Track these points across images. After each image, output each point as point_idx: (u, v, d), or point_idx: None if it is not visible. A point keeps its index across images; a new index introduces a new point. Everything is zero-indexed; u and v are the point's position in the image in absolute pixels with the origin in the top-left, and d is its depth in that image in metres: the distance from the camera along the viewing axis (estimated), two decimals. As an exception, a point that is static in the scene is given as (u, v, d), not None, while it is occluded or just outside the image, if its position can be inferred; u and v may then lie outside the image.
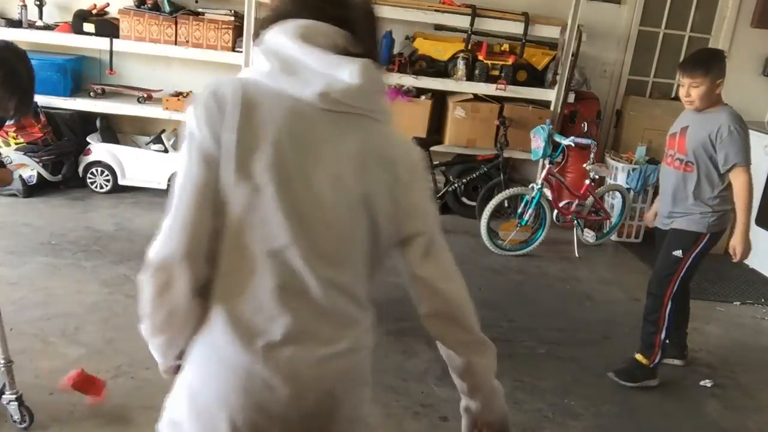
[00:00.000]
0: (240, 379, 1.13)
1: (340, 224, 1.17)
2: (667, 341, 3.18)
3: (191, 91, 5.32)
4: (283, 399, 1.14)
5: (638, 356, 3.20)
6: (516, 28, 5.14)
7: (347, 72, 1.13)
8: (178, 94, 5.19)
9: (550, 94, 5.28)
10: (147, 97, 5.16)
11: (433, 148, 5.00)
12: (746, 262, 5.07)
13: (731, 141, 2.88)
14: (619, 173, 5.20)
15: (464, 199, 5.38)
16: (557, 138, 4.70)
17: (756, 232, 5.01)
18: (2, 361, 2.40)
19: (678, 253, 3.05)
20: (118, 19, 5.00)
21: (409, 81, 5.13)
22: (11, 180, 2.35)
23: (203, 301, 1.17)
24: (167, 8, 4.98)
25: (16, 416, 2.41)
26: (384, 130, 1.23)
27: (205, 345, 1.17)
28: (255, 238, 1.12)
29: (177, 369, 1.25)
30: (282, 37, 1.15)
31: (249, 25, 4.90)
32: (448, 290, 1.28)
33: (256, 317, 1.14)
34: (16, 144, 4.66)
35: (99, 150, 5.00)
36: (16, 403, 2.40)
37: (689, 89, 2.93)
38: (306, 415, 1.17)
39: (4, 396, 2.41)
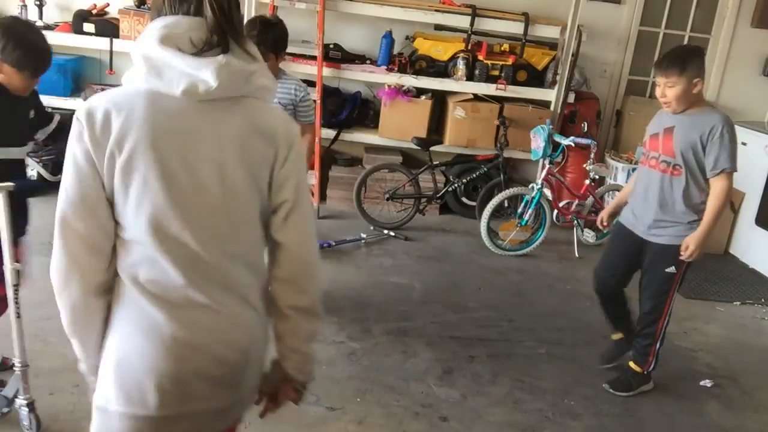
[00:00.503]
0: (167, 347, 1.25)
1: (228, 206, 1.29)
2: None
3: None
4: (207, 360, 1.29)
5: (632, 364, 3.15)
6: (516, 28, 5.14)
7: (207, 73, 1.21)
8: (178, 94, 5.19)
9: (550, 94, 5.28)
10: (147, 97, 5.15)
11: (433, 148, 5.00)
12: (746, 261, 5.10)
13: (723, 145, 2.74)
14: (619, 173, 5.21)
15: (464, 199, 5.38)
16: (557, 138, 4.70)
17: (756, 232, 5.03)
18: (18, 365, 2.35)
19: (671, 269, 2.93)
20: (118, 19, 5.00)
21: (409, 81, 5.14)
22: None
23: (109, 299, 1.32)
24: (167, 8, 4.98)
25: (26, 422, 2.37)
26: (263, 107, 1.33)
27: (125, 322, 1.29)
28: (154, 227, 1.24)
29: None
30: (148, 40, 1.22)
31: (249, 25, 4.90)
32: (299, 257, 1.38)
33: (170, 293, 1.26)
34: (16, 144, 4.66)
35: (99, 150, 4.98)
36: (26, 409, 2.36)
37: (665, 89, 2.78)
38: (225, 373, 1.32)
39: (17, 400, 2.38)
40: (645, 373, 3.13)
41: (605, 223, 3.30)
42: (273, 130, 1.31)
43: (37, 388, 2.59)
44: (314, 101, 3.12)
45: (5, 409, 2.42)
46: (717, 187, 2.80)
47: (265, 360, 1.45)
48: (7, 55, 2.21)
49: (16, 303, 2.29)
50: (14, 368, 2.36)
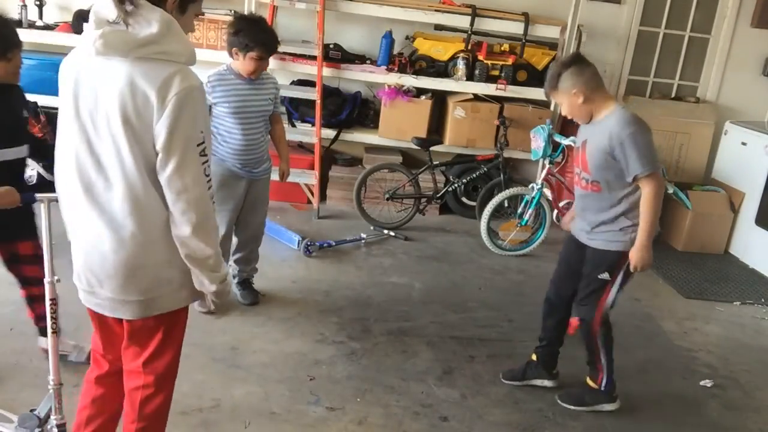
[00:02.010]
0: (77, 248, 1.80)
1: (115, 152, 1.64)
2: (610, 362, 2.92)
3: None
4: (97, 262, 1.74)
5: (588, 380, 2.99)
6: (516, 28, 5.13)
7: (92, 39, 1.58)
8: (178, 94, 5.19)
9: (550, 94, 5.27)
10: (147, 97, 5.15)
11: (433, 148, 5.00)
12: (746, 261, 5.10)
13: (626, 150, 2.56)
14: (619, 173, 5.19)
15: (464, 199, 5.38)
16: (557, 138, 4.70)
17: (756, 232, 5.03)
18: (51, 383, 2.18)
19: (604, 275, 2.77)
20: (118, 19, 5.00)
21: (409, 81, 5.13)
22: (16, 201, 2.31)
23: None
24: (167, 8, 4.98)
25: None
26: (154, 67, 1.59)
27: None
28: (74, 157, 1.69)
29: None
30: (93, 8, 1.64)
31: (249, 25, 4.90)
32: (174, 198, 1.66)
33: (79, 210, 1.73)
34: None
35: (99, 150, 4.99)
36: (57, 430, 2.20)
37: (560, 108, 2.75)
38: (111, 275, 1.74)
39: (50, 419, 2.22)
40: (600, 389, 2.95)
41: (568, 228, 3.07)
42: (150, 88, 1.57)
43: (37, 387, 2.58)
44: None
45: (37, 430, 2.27)
46: (642, 194, 2.64)
47: (165, 274, 1.78)
48: None
49: (54, 319, 2.16)
50: (48, 387, 2.19)
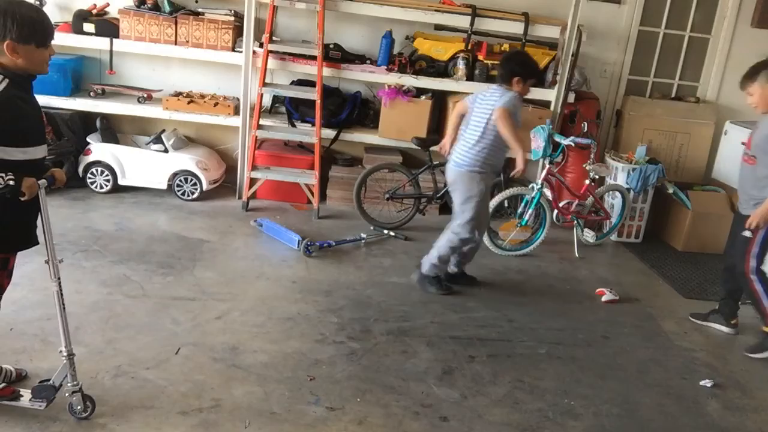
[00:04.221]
0: None
1: None
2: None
3: (191, 91, 5.32)
4: None
5: (764, 328, 3.63)
6: (516, 28, 5.13)
7: None
8: (178, 94, 5.20)
9: (550, 94, 5.28)
10: (147, 97, 5.16)
11: (433, 148, 4.99)
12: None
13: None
14: (619, 173, 5.21)
15: (464, 199, 5.37)
16: (557, 138, 4.70)
17: (756, 232, 5.02)
18: (65, 353, 2.45)
19: (746, 233, 3.52)
20: (118, 19, 5.00)
21: (409, 81, 5.14)
22: (65, 180, 2.58)
23: None
24: (167, 8, 4.98)
25: (79, 406, 2.48)
26: None
27: None
28: None
29: None
30: None
31: (249, 25, 4.91)
32: None
33: None
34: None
35: (99, 150, 5.00)
36: (78, 394, 2.47)
37: (747, 97, 3.48)
38: None
39: (66, 387, 2.46)
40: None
41: None
42: None
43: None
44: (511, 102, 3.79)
45: (48, 398, 2.49)
46: None
47: None
48: (14, 34, 2.22)
49: (61, 295, 2.44)
50: (62, 357, 2.46)
